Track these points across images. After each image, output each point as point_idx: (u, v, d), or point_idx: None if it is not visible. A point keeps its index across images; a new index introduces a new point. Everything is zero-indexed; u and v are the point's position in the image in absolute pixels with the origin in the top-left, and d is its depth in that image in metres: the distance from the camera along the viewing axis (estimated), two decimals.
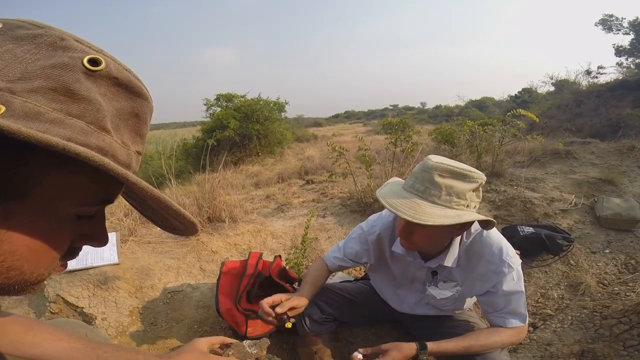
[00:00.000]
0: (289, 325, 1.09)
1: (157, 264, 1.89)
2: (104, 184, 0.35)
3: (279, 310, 1.09)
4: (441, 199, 0.95)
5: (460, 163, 1.00)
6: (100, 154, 0.32)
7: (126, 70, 0.36)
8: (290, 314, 1.11)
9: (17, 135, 0.25)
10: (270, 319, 1.09)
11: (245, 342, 0.74)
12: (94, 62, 0.33)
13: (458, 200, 0.95)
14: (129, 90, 0.36)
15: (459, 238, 1.12)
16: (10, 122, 0.26)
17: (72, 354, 0.61)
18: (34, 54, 0.30)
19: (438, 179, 0.95)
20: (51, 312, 1.48)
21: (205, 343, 0.73)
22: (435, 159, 0.99)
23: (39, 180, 0.31)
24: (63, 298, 1.51)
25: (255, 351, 0.72)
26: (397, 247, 1.19)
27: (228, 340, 0.76)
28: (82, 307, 1.49)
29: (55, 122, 0.29)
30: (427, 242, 1.07)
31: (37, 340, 0.59)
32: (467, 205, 0.97)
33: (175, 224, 0.42)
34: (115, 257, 1.74)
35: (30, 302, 1.54)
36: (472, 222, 1.03)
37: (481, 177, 0.98)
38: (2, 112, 0.27)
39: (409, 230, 1.02)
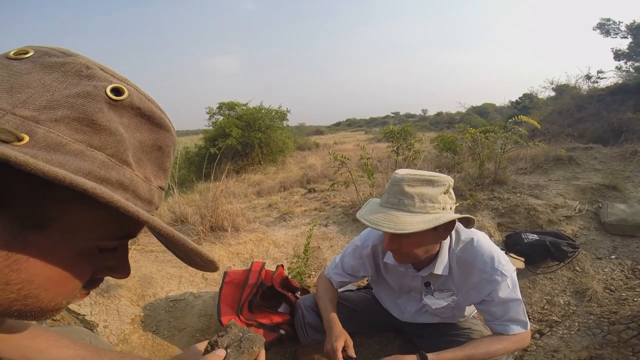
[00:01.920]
0: None
1: (160, 272, 1.88)
2: (123, 220, 0.34)
3: (350, 353, 1.13)
4: (416, 207, 0.99)
5: (424, 171, 1.07)
6: (121, 189, 0.32)
7: (149, 100, 0.36)
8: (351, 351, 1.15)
9: (24, 167, 0.25)
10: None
11: (241, 330, 0.66)
12: (117, 91, 0.33)
13: (432, 205, 0.99)
14: (151, 121, 0.36)
15: (447, 245, 1.13)
16: (21, 154, 0.26)
17: None
18: (61, 82, 0.31)
19: (408, 189, 1.00)
20: (53, 319, 1.48)
21: (202, 347, 0.73)
22: (401, 172, 1.04)
23: (58, 213, 0.31)
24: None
25: (248, 346, 0.66)
26: (389, 259, 1.20)
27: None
28: (84, 315, 1.48)
29: (76, 155, 0.30)
30: (416, 250, 1.07)
31: (43, 347, 0.59)
32: (443, 208, 1.01)
33: (197, 260, 0.41)
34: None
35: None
36: (454, 223, 1.06)
37: (447, 179, 1.03)
38: (25, 141, 0.28)
39: (396, 243, 1.05)
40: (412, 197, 0.99)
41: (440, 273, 1.12)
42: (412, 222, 0.96)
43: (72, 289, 0.35)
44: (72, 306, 1.51)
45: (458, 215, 1.03)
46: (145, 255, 2.06)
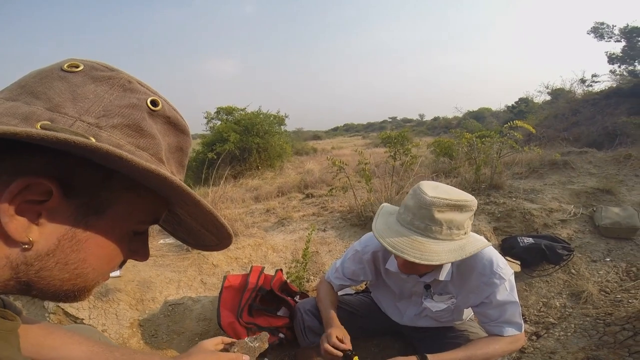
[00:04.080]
0: (356, 359, 1.10)
1: (158, 276, 1.89)
2: (157, 206, 0.42)
3: (344, 346, 1.10)
4: (442, 234, 0.95)
5: (453, 189, 1.01)
6: None
7: (175, 110, 0.43)
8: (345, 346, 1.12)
9: (130, 163, 0.31)
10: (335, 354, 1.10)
11: (247, 339, 0.78)
12: (154, 103, 0.39)
13: (458, 232, 0.97)
14: (176, 127, 0.42)
15: None
16: (125, 152, 0.31)
17: (91, 357, 0.64)
18: (110, 94, 0.36)
19: (438, 215, 0.94)
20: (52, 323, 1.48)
21: (211, 344, 0.76)
22: (431, 192, 0.97)
23: (114, 200, 0.37)
24: (63, 309, 1.51)
25: (257, 344, 0.76)
26: (391, 265, 1.20)
27: (227, 339, 0.80)
28: (82, 319, 1.49)
29: (130, 154, 0.34)
30: (428, 267, 1.09)
31: (56, 344, 0.61)
32: (465, 232, 0.99)
33: (209, 240, 0.47)
34: (117, 270, 1.75)
35: (28, 313, 1.54)
36: None
37: (474, 203, 0.99)
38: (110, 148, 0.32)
39: (411, 264, 1.02)
40: (441, 223, 0.95)
41: (444, 279, 1.14)
42: (439, 252, 0.93)
43: (112, 267, 0.41)
44: (70, 310, 1.52)
45: (481, 247, 0.99)
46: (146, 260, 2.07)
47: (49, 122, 0.32)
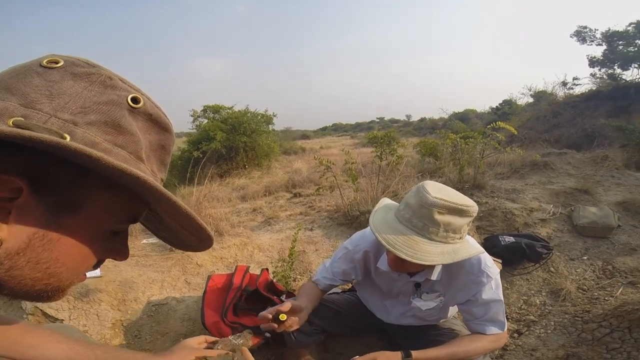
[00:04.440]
0: (283, 317, 1.07)
1: (141, 277, 1.86)
2: (135, 205, 0.41)
3: (281, 308, 1.08)
4: (438, 236, 0.96)
5: (457, 193, 1.02)
6: None
7: (157, 108, 0.42)
8: (291, 321, 1.10)
9: (99, 161, 0.30)
10: (269, 323, 1.07)
11: (230, 336, 0.79)
12: (135, 100, 0.39)
13: (454, 235, 0.98)
14: (159, 125, 0.42)
15: None
16: (96, 151, 0.31)
17: (72, 355, 0.63)
18: (90, 91, 0.36)
19: (437, 217, 0.95)
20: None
21: (194, 342, 0.76)
22: (434, 192, 0.97)
23: (88, 199, 0.36)
24: (42, 310, 1.48)
25: (241, 341, 0.77)
26: (383, 265, 1.21)
27: (210, 338, 0.80)
28: (62, 320, 1.46)
29: (106, 151, 0.34)
30: (418, 267, 1.09)
31: (35, 343, 0.60)
32: (461, 237, 1.00)
33: (190, 240, 0.46)
34: (97, 270, 1.71)
35: (5, 314, 1.50)
36: None
37: (475, 209, 1.00)
38: (68, 140, 0.32)
39: (402, 260, 1.02)
40: (439, 225, 0.95)
41: (436, 279, 1.15)
42: (431, 253, 0.94)
43: (87, 267, 0.40)
44: (49, 311, 1.48)
45: (473, 254, 1.00)
46: (125, 260, 2.03)
47: (22, 119, 0.31)
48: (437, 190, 0.99)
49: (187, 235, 0.45)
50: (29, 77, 0.34)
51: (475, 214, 1.00)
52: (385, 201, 1.17)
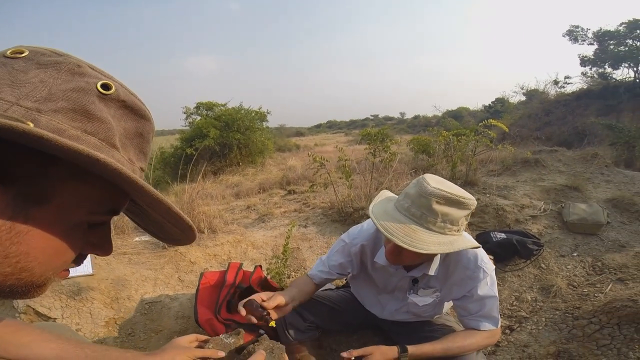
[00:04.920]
0: (272, 324, 1.05)
1: (134, 274, 1.84)
2: (113, 195, 0.39)
3: (266, 305, 1.05)
4: (436, 226, 0.97)
5: (456, 187, 1.02)
6: None
7: (132, 94, 0.40)
8: (274, 314, 1.08)
9: (52, 142, 0.29)
10: (254, 315, 1.04)
11: (222, 335, 0.79)
12: (105, 86, 0.37)
13: (451, 227, 0.98)
14: (134, 112, 0.40)
15: None
16: (49, 133, 0.29)
17: (61, 354, 0.62)
18: (56, 79, 0.34)
19: (435, 206, 0.96)
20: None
21: (185, 341, 0.75)
22: (433, 183, 0.99)
23: (58, 189, 0.34)
24: (34, 309, 1.46)
25: (232, 340, 0.77)
26: (380, 259, 1.21)
27: (201, 337, 0.79)
28: (55, 318, 1.44)
29: (74, 138, 0.33)
30: (415, 259, 1.10)
31: (25, 342, 0.59)
32: (458, 230, 1.01)
33: (175, 233, 0.45)
34: (89, 268, 1.70)
35: None
36: None
37: (474, 203, 1.01)
38: (31, 128, 0.30)
39: (399, 250, 1.03)
40: (437, 214, 0.96)
41: (433, 274, 1.15)
42: (428, 242, 0.94)
43: (63, 262, 0.38)
44: (42, 309, 1.46)
45: (471, 245, 1.01)
46: (118, 258, 2.01)
47: None
48: (437, 182, 1.00)
49: (170, 227, 0.43)
50: None
51: (473, 208, 1.01)
52: (386, 193, 1.18)
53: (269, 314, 1.05)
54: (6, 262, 0.33)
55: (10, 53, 0.35)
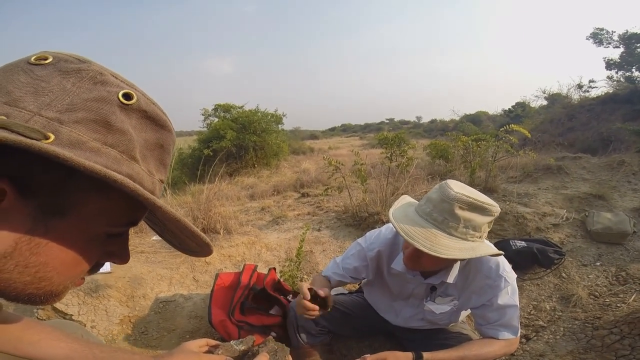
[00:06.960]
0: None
1: (150, 273, 1.88)
2: (132, 208, 0.39)
3: (321, 293, 1.14)
4: (458, 231, 0.95)
5: (480, 193, 1.00)
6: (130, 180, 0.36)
7: (153, 104, 0.40)
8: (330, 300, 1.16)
9: (68, 162, 0.29)
10: (312, 308, 1.12)
11: (232, 341, 0.78)
12: (127, 96, 0.37)
13: (474, 233, 0.96)
14: (155, 122, 0.40)
15: None
16: (64, 151, 0.30)
17: (70, 354, 0.62)
18: (78, 87, 0.34)
19: (458, 212, 0.94)
20: (39, 319, 1.47)
21: (195, 345, 0.75)
22: (456, 188, 0.97)
23: (78, 202, 0.34)
24: (51, 305, 1.50)
25: (243, 347, 0.76)
26: (398, 265, 1.19)
27: (212, 342, 0.79)
28: (71, 315, 1.48)
29: (94, 151, 0.33)
30: (434, 265, 1.08)
31: (35, 339, 0.60)
32: (480, 237, 0.98)
33: (192, 246, 0.45)
34: (107, 266, 1.74)
35: (16, 307, 1.53)
36: None
37: (497, 210, 0.98)
38: (51, 140, 0.31)
39: (418, 255, 1.01)
40: (459, 220, 0.94)
41: (452, 282, 1.13)
42: (449, 247, 0.92)
43: (81, 271, 0.39)
44: (59, 306, 1.51)
45: (492, 252, 0.98)
46: (135, 256, 2.06)
47: (4, 117, 0.30)
48: (460, 187, 0.98)
49: (187, 239, 0.43)
50: (15, 75, 0.33)
51: (496, 214, 0.98)
52: (407, 198, 1.16)
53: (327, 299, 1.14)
54: (26, 272, 0.34)
55: (34, 59, 0.35)
